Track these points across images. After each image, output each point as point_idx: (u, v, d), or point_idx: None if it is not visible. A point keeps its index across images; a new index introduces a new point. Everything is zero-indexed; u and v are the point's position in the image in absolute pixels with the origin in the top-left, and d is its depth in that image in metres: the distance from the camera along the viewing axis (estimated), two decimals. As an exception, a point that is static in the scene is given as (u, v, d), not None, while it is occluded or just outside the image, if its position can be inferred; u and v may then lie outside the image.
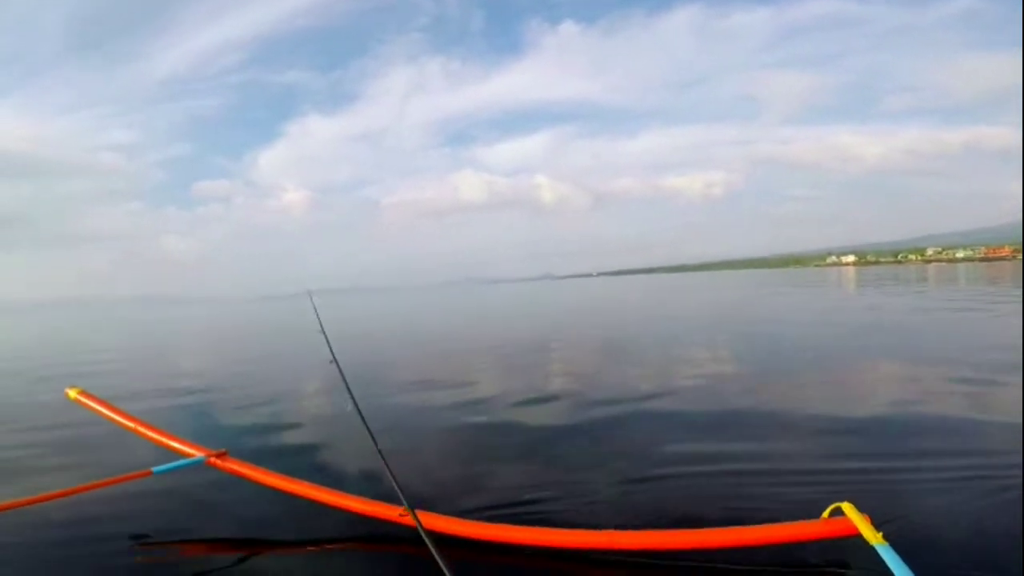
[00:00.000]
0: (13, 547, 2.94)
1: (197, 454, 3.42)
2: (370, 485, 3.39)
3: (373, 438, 2.73)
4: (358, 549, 2.82)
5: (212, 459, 3.38)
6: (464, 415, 5.38)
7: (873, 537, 2.02)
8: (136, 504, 3.47)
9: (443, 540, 2.28)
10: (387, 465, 2.44)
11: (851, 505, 2.22)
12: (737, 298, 25.36)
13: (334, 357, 3.68)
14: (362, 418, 2.90)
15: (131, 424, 3.69)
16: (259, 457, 3.69)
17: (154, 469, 3.07)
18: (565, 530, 2.60)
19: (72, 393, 3.80)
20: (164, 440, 3.60)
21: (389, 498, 2.81)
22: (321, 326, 4.32)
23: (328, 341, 3.89)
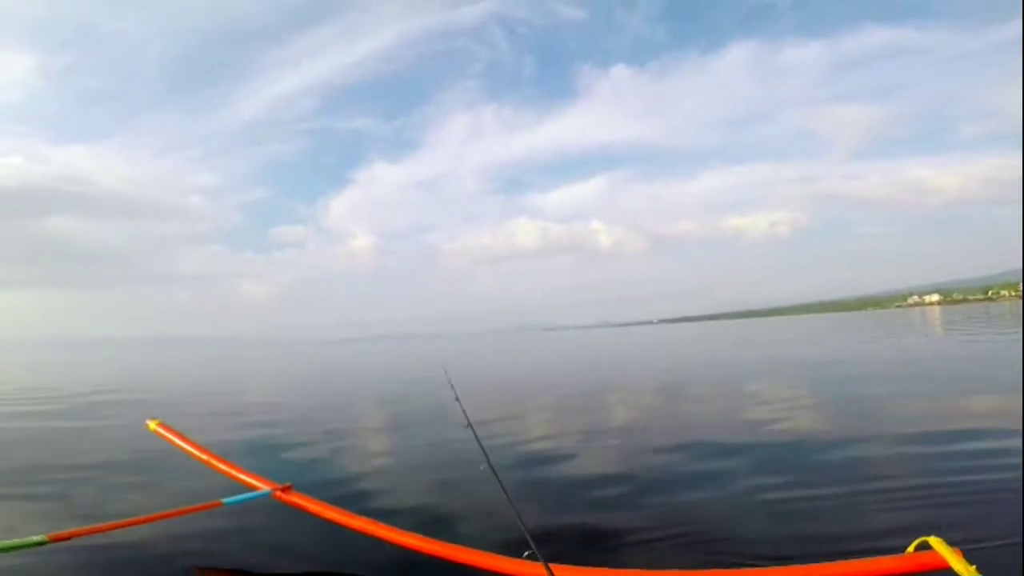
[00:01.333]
0: (87, 568, 3.06)
1: (264, 487, 3.50)
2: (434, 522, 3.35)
3: (502, 486, 2.56)
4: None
5: (278, 492, 3.44)
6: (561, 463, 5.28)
7: (966, 572, 1.87)
8: (202, 531, 3.56)
9: None
10: (517, 512, 2.24)
11: (940, 539, 2.05)
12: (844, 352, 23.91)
13: (468, 420, 3.55)
14: (493, 471, 2.73)
15: (204, 456, 3.84)
16: (331, 493, 3.74)
17: (225, 500, 3.15)
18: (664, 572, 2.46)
19: (152, 425, 4.02)
20: (234, 473, 3.71)
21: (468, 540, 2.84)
22: (455, 393, 4.26)
23: (462, 406, 3.82)
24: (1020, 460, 4.21)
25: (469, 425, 3.62)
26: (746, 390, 9.78)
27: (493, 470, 2.75)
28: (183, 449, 3.92)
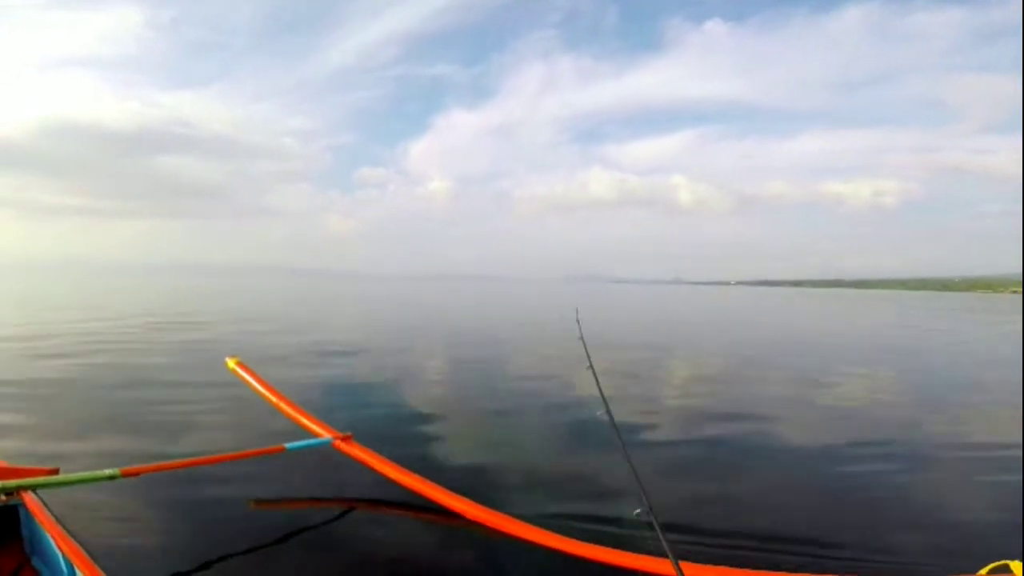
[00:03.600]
0: (155, 499, 3.35)
1: (326, 435, 3.68)
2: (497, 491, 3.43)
3: (625, 450, 2.47)
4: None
5: (338, 442, 3.62)
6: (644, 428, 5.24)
7: None
8: (264, 473, 3.82)
9: None
10: (644, 493, 1.92)
11: (1020, 563, 1.99)
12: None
13: (591, 364, 3.46)
14: (615, 428, 2.51)
15: (273, 399, 4.08)
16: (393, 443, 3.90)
17: (287, 445, 3.36)
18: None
19: (231, 363, 4.30)
20: (299, 418, 3.93)
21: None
22: (582, 335, 4.23)
23: (587, 349, 3.73)
24: None
25: (591, 367, 3.42)
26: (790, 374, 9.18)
27: (613, 424, 2.52)
28: (255, 389, 4.18)
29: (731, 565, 2.44)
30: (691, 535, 2.91)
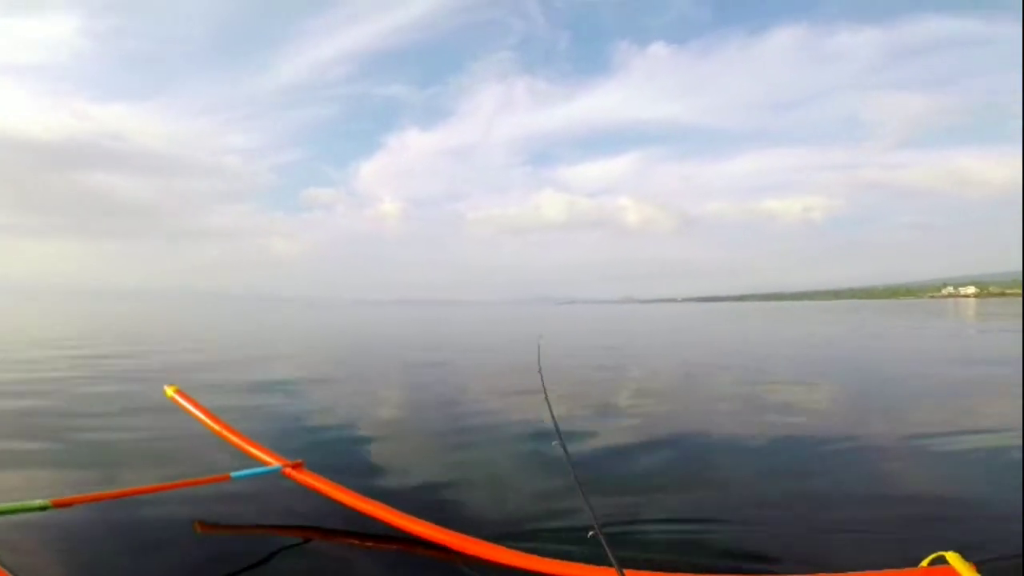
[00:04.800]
0: (93, 528, 3.07)
1: (275, 463, 3.47)
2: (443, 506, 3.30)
3: (572, 470, 2.47)
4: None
5: (288, 469, 3.42)
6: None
7: None
8: (209, 500, 3.55)
9: None
10: (589, 506, 2.07)
11: (956, 554, 2.02)
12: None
13: (546, 395, 3.53)
14: (566, 453, 2.59)
15: (217, 427, 3.84)
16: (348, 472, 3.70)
17: (233, 474, 3.14)
18: None
19: (169, 391, 4.03)
20: (245, 446, 3.70)
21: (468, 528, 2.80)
22: (540, 368, 4.22)
23: (543, 380, 3.81)
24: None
25: (545, 397, 3.47)
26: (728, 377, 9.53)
27: (563, 446, 2.61)
28: (196, 418, 3.92)
29: (677, 570, 2.42)
30: (641, 548, 2.83)
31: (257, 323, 32.36)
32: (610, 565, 1.64)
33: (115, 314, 40.51)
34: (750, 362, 12.00)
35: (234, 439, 3.78)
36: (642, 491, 3.75)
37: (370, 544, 2.91)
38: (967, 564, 1.97)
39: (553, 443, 2.68)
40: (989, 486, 3.82)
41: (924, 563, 2.10)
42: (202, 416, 3.92)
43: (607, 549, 1.67)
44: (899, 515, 3.30)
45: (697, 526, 3.15)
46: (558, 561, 2.53)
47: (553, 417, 3.04)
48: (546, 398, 3.43)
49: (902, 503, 3.52)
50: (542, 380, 3.82)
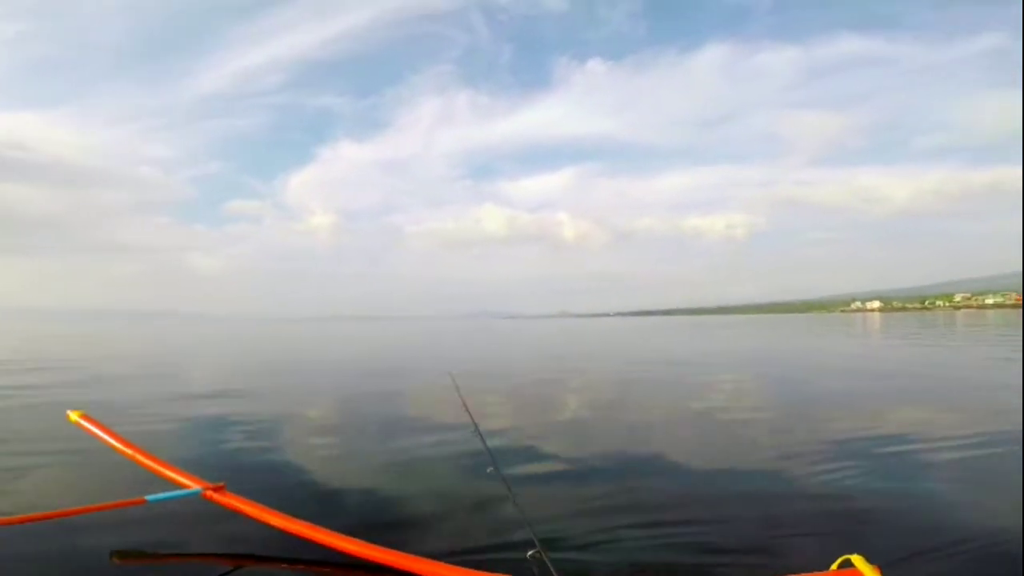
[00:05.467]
0: None
1: (194, 486, 3.28)
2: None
3: (508, 487, 2.60)
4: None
5: (209, 492, 3.23)
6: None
7: None
8: (126, 527, 3.31)
9: None
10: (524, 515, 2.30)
11: (861, 557, 2.15)
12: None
13: (476, 427, 3.58)
14: (504, 479, 2.74)
15: (129, 451, 3.58)
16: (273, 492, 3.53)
17: (149, 498, 2.94)
18: None
19: (73, 416, 3.72)
20: (160, 469, 3.47)
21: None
22: (465, 405, 4.23)
23: (471, 415, 3.79)
24: (929, 467, 4.38)
25: (467, 410, 3.72)
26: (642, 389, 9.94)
27: (493, 458, 2.66)
28: (105, 442, 3.64)
29: None
30: (585, 561, 2.88)
31: (174, 343, 30.35)
32: None
33: (27, 335, 36.65)
34: (680, 376, 12.48)
35: (148, 462, 3.53)
36: (578, 503, 3.78)
37: (301, 567, 2.80)
38: (871, 567, 2.08)
39: (488, 469, 2.76)
40: (901, 489, 4.05)
41: (833, 566, 2.19)
42: (110, 440, 3.64)
43: (549, 565, 1.71)
44: (815, 518, 3.45)
45: (631, 533, 3.22)
46: (500, 575, 2.53)
47: (484, 443, 3.16)
48: (476, 430, 3.50)
49: (819, 506, 3.68)
50: (468, 411, 3.85)
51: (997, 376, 11.06)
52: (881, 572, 2.07)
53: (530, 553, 1.88)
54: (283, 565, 2.83)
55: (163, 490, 3.11)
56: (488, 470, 2.79)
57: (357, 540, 2.84)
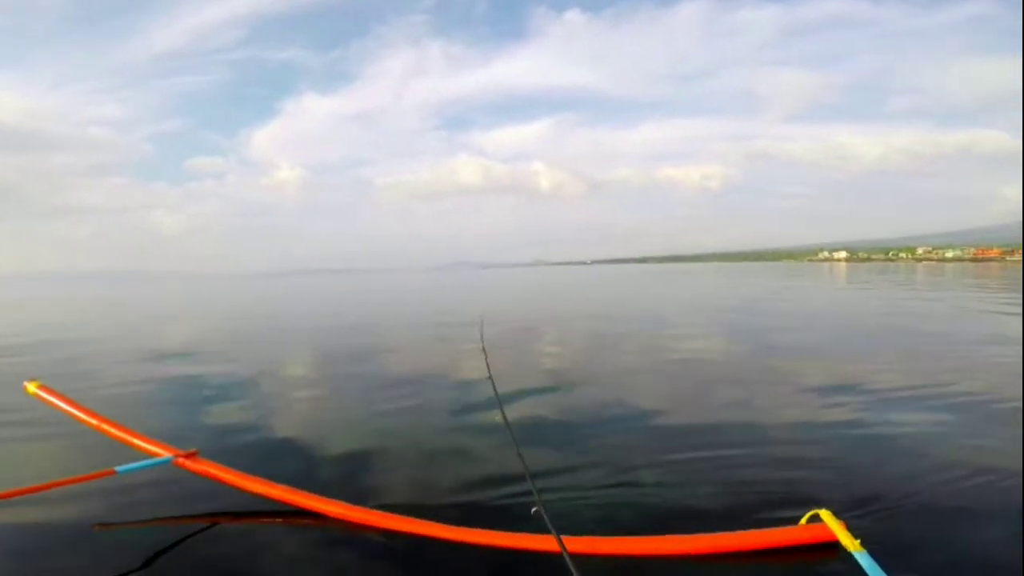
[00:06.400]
0: None
1: (165, 453, 3.24)
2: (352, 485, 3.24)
3: (517, 445, 2.67)
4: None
5: (181, 459, 3.20)
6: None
7: (851, 544, 2.04)
8: (100, 499, 3.28)
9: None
10: (528, 472, 2.36)
11: (829, 512, 2.25)
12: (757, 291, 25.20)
13: (490, 373, 3.72)
14: (508, 427, 2.83)
15: (94, 421, 3.49)
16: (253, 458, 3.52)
17: (118, 468, 2.91)
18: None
19: (31, 387, 3.58)
20: (129, 439, 3.41)
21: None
22: (483, 346, 4.61)
23: (486, 354, 4.07)
24: (901, 422, 4.49)
25: (491, 377, 3.78)
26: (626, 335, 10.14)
27: (501, 409, 2.86)
28: (68, 413, 3.53)
29: (609, 535, 2.57)
30: (577, 515, 2.94)
31: (138, 303, 29.57)
32: (549, 532, 1.76)
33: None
34: (661, 322, 12.70)
35: (115, 431, 3.46)
36: (572, 458, 3.82)
37: (280, 520, 2.84)
38: (838, 521, 2.19)
39: (495, 416, 2.88)
40: (868, 442, 4.08)
41: (803, 520, 2.32)
42: (73, 410, 3.53)
43: (547, 520, 1.81)
44: (790, 473, 3.51)
45: (622, 490, 3.28)
46: (496, 532, 2.59)
47: (497, 395, 3.25)
48: (490, 377, 3.66)
49: (792, 461, 3.72)
50: (486, 358, 3.94)
51: (968, 326, 11.41)
52: (847, 526, 2.16)
53: (533, 510, 1.95)
54: (258, 519, 2.88)
55: (132, 460, 3.06)
56: (495, 416, 2.91)
57: (340, 502, 2.87)
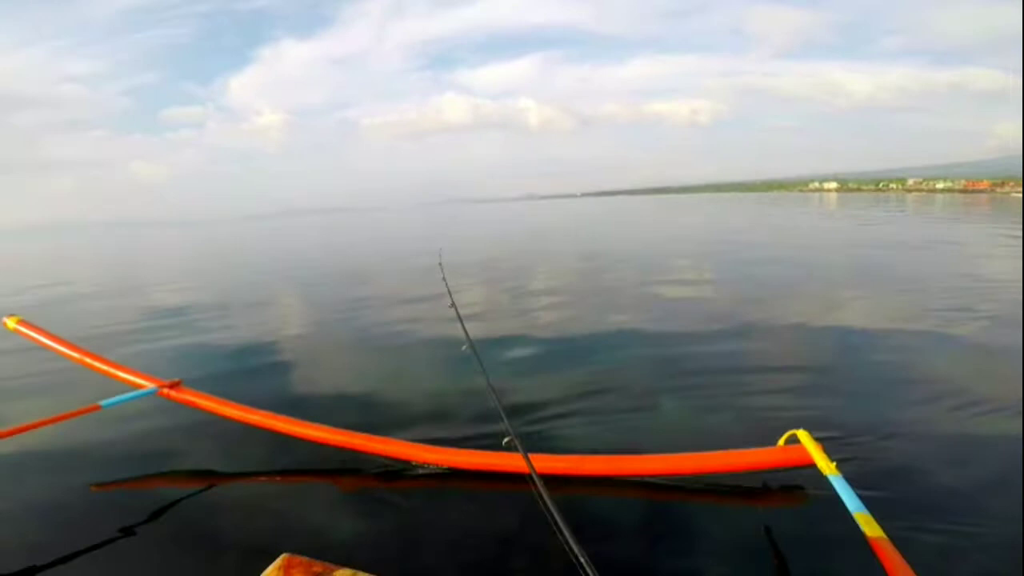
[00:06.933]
0: None
1: (149, 384, 3.30)
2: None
3: (486, 375, 2.68)
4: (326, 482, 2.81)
5: (165, 390, 3.25)
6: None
7: (826, 467, 2.04)
8: (88, 438, 3.36)
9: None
10: (497, 399, 2.41)
11: (806, 433, 2.24)
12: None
13: (453, 302, 3.63)
14: (478, 359, 2.85)
15: (76, 355, 3.51)
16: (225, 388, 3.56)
17: (103, 403, 2.93)
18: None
19: (10, 323, 3.59)
20: (112, 371, 3.45)
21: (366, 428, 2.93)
22: (445, 278, 4.39)
23: (449, 290, 3.89)
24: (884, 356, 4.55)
25: (452, 303, 3.77)
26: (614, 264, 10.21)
27: (478, 357, 2.83)
28: (49, 347, 3.55)
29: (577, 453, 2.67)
30: (551, 439, 3.05)
31: (120, 249, 29.04)
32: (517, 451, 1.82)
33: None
34: (657, 252, 12.75)
35: (98, 365, 3.50)
36: (549, 387, 3.89)
37: (278, 479, 2.82)
38: (815, 443, 2.19)
39: (463, 347, 2.87)
40: (849, 369, 4.17)
41: (780, 442, 2.32)
42: (55, 345, 3.55)
43: (518, 444, 1.88)
44: (764, 397, 3.59)
45: (599, 417, 3.37)
46: (469, 451, 2.72)
47: (464, 326, 3.21)
48: (454, 306, 3.61)
49: (768, 383, 3.83)
50: (449, 293, 3.90)
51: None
52: (823, 447, 2.18)
53: (505, 440, 1.98)
54: (259, 478, 2.86)
55: (117, 393, 3.13)
56: (463, 348, 2.90)
57: (323, 426, 2.95)
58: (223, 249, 21.95)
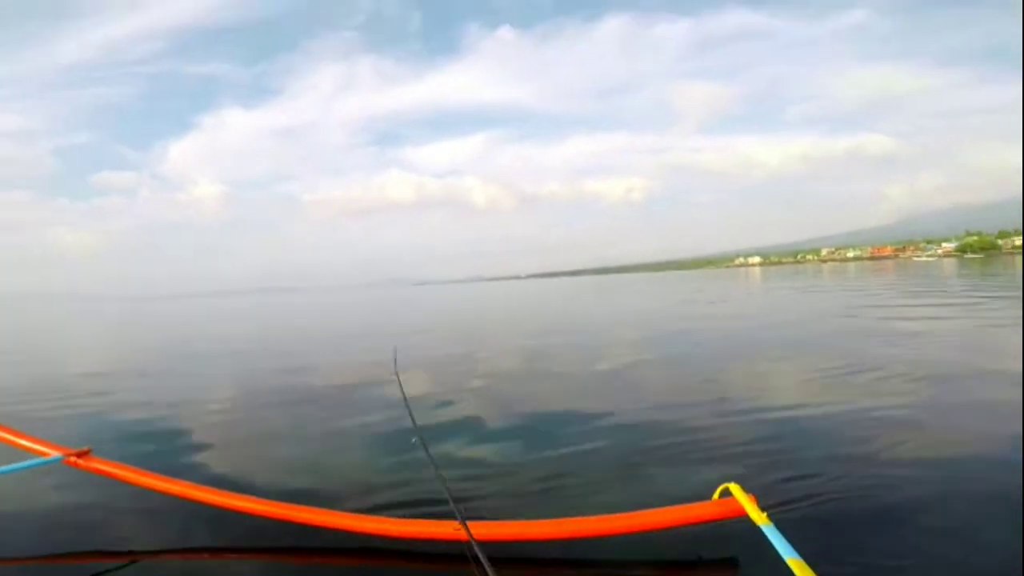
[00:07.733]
0: None
1: (53, 452, 3.03)
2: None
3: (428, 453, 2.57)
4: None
5: (72, 458, 3.00)
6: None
7: (759, 518, 2.03)
8: None
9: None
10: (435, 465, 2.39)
11: (738, 486, 2.25)
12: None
13: (409, 410, 3.28)
14: (426, 450, 2.66)
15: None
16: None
17: (0, 469, 2.68)
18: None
19: None
20: (12, 438, 3.16)
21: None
22: (398, 377, 4.07)
23: (404, 394, 3.55)
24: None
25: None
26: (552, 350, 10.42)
27: (411, 415, 2.77)
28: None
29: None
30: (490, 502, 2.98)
31: (33, 325, 27.00)
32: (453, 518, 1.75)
33: None
34: (595, 336, 13.05)
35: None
36: (494, 469, 3.66)
37: (206, 556, 2.60)
38: (747, 496, 2.19)
39: (413, 440, 2.69)
40: (777, 425, 4.19)
41: (715, 496, 2.31)
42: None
43: (452, 503, 1.89)
44: (699, 453, 3.61)
45: (542, 484, 3.25)
46: (400, 520, 2.55)
47: (412, 417, 3.07)
48: (404, 398, 3.40)
49: (700, 442, 3.85)
50: (405, 399, 3.61)
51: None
52: (756, 499, 2.17)
53: (454, 527, 1.91)
54: (185, 555, 2.63)
55: (13, 461, 2.85)
56: (412, 440, 2.69)
57: (242, 496, 2.78)
58: (149, 332, 20.65)
